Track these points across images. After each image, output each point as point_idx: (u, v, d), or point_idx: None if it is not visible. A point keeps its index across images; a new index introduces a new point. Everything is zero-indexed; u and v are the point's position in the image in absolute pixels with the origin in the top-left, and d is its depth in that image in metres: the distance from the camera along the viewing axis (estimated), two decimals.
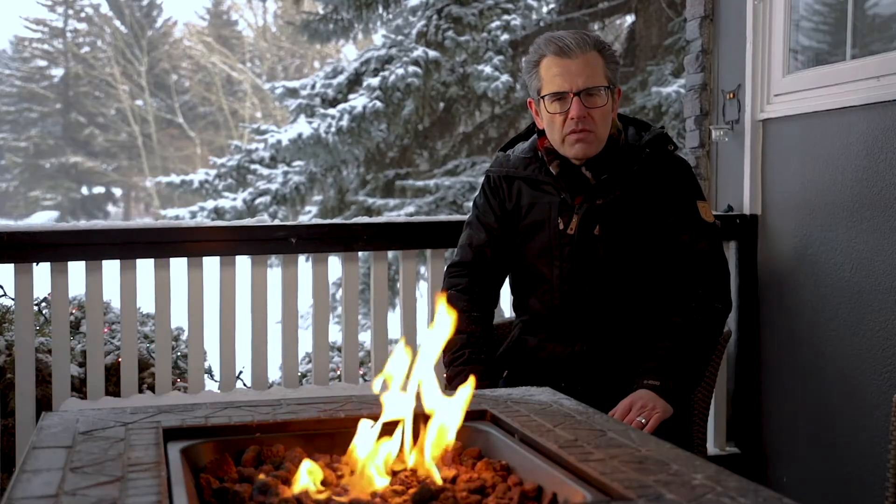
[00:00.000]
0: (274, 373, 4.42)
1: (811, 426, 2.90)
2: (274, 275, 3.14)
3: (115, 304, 3.38)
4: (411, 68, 9.18)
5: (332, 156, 9.36)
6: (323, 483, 1.24)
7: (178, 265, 2.89)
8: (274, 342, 2.99)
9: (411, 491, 1.20)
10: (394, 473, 1.29)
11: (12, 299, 2.89)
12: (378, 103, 9.11)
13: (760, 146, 3.12)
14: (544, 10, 10.22)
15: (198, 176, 10.47)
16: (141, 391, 3.08)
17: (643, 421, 1.95)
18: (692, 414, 2.30)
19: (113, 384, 3.05)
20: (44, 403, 2.92)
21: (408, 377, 1.31)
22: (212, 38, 31.47)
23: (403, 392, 1.30)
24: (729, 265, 2.27)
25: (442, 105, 10.16)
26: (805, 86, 2.92)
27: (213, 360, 3.43)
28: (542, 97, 2.16)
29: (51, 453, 1.27)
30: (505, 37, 9.53)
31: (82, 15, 30.38)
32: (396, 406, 1.29)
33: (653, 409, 1.98)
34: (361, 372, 3.75)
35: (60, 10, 29.97)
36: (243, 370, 3.32)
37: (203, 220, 8.55)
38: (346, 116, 9.11)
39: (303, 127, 9.34)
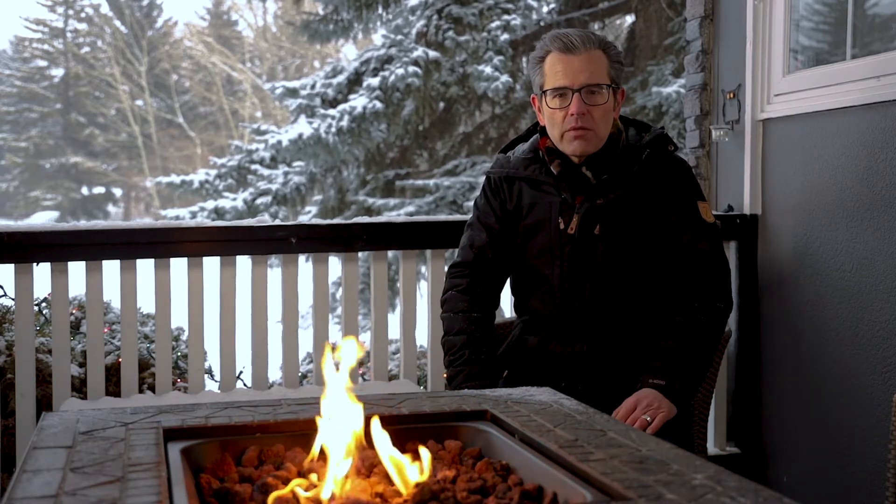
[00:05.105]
0: (274, 373, 4.42)
1: (811, 426, 2.90)
2: (274, 275, 3.14)
3: (115, 304, 3.38)
4: (411, 68, 9.18)
5: (332, 156, 9.37)
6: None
7: (178, 265, 2.89)
8: (274, 342, 2.99)
9: (412, 491, 1.20)
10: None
11: (12, 299, 2.88)
12: (378, 103, 9.11)
13: (760, 146, 3.12)
14: (544, 10, 10.22)
15: (198, 176, 10.48)
16: (141, 391, 3.08)
17: (648, 419, 1.95)
18: (692, 414, 2.30)
19: (113, 384, 3.05)
20: (44, 403, 2.92)
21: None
22: (212, 38, 31.45)
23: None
24: (729, 265, 2.28)
25: (442, 105, 10.17)
26: (805, 86, 2.92)
27: (213, 360, 3.43)
28: (545, 92, 2.17)
29: (51, 453, 1.27)
30: (505, 37, 9.53)
31: (82, 15, 30.36)
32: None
33: (658, 409, 1.98)
34: (361, 372, 3.75)
35: (60, 10, 29.94)
36: (243, 370, 3.31)
37: (203, 220, 8.53)
38: (346, 117, 9.11)
39: (303, 127, 9.34)
